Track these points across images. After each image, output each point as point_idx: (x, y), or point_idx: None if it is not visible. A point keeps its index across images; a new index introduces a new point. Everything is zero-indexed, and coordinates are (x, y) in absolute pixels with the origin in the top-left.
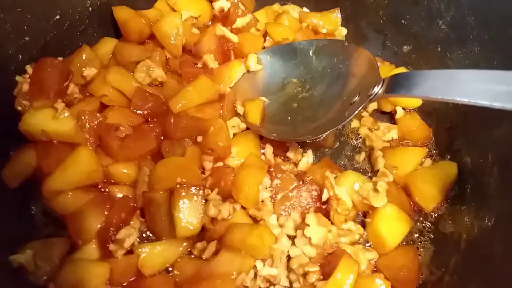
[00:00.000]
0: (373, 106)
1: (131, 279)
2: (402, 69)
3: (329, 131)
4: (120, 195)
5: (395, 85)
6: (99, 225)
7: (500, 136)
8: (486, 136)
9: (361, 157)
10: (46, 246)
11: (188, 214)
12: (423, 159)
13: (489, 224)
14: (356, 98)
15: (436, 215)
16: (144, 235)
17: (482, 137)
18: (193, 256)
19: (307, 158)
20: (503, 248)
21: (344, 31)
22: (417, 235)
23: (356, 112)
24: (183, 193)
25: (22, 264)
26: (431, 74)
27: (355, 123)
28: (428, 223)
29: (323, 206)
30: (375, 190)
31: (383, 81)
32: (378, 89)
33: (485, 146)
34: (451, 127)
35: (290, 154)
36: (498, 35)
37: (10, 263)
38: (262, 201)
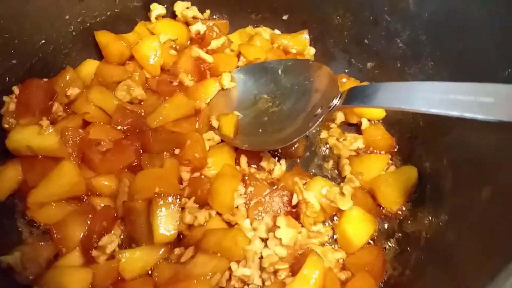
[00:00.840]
0: (340, 118)
1: (112, 283)
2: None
3: (294, 140)
4: (102, 205)
5: (350, 98)
6: (82, 234)
7: (451, 142)
8: (441, 143)
9: (330, 165)
10: (34, 249)
11: (165, 222)
12: (387, 165)
13: (443, 220)
14: (319, 110)
15: (400, 216)
16: (125, 242)
17: (437, 144)
18: (171, 260)
19: (280, 166)
20: (454, 241)
21: (312, 50)
22: (383, 235)
23: (318, 122)
24: (161, 202)
25: (10, 265)
26: (385, 86)
27: (324, 134)
28: (393, 224)
29: (294, 210)
30: (341, 193)
31: (340, 94)
32: (336, 101)
33: (440, 152)
34: (412, 136)
35: (263, 163)
36: (447, 51)
37: None
38: (237, 207)
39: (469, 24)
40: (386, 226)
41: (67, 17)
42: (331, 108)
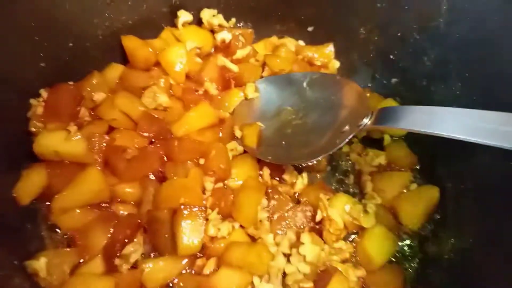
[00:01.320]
0: (362, 133)
1: None
2: (390, 100)
3: (321, 157)
4: (125, 213)
5: (382, 118)
6: (105, 241)
7: (478, 164)
8: (466, 164)
9: (351, 180)
10: (59, 255)
11: (190, 234)
12: (409, 183)
13: (468, 243)
14: (346, 127)
15: (422, 236)
16: (147, 251)
17: (461, 166)
18: (193, 272)
19: (303, 180)
20: (480, 265)
21: (336, 63)
22: (404, 254)
23: (346, 140)
24: (186, 213)
25: (35, 270)
26: (415, 110)
27: (345, 148)
28: (414, 244)
29: (317, 226)
30: (365, 211)
31: (371, 114)
32: (367, 121)
33: (464, 174)
34: (434, 155)
35: (286, 176)
36: (477, 74)
37: (24, 270)
38: (260, 221)
39: (501, 48)
40: (407, 245)
41: (95, 21)
42: (361, 127)
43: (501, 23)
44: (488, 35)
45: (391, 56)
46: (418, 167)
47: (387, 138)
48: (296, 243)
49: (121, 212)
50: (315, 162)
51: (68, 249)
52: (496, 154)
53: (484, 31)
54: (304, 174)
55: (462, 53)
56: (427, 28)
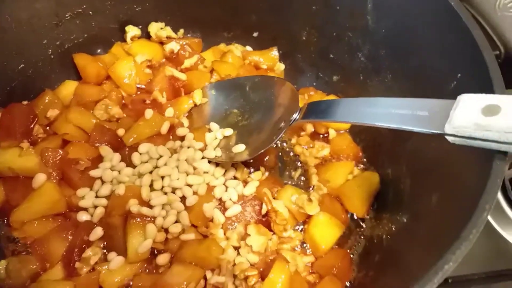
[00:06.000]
0: (310, 129)
1: None
2: (332, 96)
3: (260, 152)
4: (82, 220)
5: (308, 113)
6: (64, 249)
7: (409, 150)
8: (400, 150)
9: (298, 174)
10: (20, 260)
11: (139, 241)
12: (352, 172)
13: (403, 223)
14: (282, 124)
15: (366, 220)
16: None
17: (397, 152)
18: (147, 271)
19: (261, 177)
20: (408, 242)
21: (282, 66)
22: (349, 239)
23: (281, 135)
24: (135, 222)
25: None
26: (333, 103)
27: (293, 140)
28: (360, 228)
29: (263, 219)
30: (309, 200)
31: (300, 109)
32: (296, 116)
33: (400, 159)
34: (375, 144)
35: (237, 175)
36: (403, 65)
37: None
38: (212, 219)
39: (419, 41)
40: (352, 230)
41: (45, 42)
42: (291, 122)
43: (420, 16)
44: (407, 29)
45: (331, 55)
46: (362, 157)
47: (331, 132)
48: (245, 236)
49: (80, 220)
50: (265, 159)
51: (29, 256)
52: (423, 138)
53: (403, 26)
54: (265, 172)
55: (390, 47)
56: (357, 26)
